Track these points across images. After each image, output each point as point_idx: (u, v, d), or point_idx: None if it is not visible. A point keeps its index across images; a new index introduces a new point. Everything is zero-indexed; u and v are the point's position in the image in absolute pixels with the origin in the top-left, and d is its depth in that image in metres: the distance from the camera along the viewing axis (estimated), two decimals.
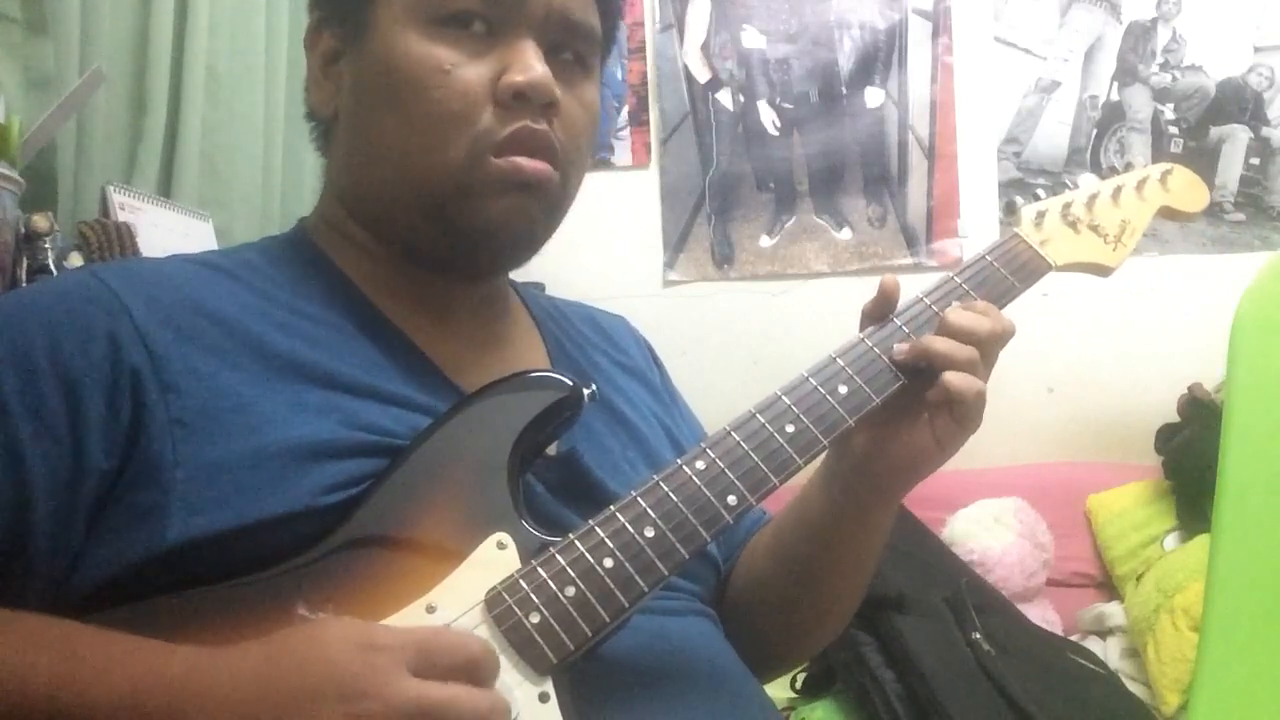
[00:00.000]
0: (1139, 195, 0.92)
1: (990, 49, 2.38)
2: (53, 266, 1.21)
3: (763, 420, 0.71)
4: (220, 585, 0.62)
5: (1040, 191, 0.89)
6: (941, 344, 0.74)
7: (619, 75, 2.40)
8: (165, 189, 1.64)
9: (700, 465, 0.69)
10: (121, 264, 1.08)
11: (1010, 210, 0.87)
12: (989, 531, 1.95)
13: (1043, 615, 1.91)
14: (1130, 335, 2.29)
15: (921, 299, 0.79)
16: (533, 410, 0.70)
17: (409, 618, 0.61)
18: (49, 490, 0.62)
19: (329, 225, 0.81)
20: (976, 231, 2.35)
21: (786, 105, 2.40)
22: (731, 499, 0.68)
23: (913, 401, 0.75)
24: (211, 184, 1.71)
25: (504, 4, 0.73)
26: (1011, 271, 0.82)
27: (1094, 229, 0.88)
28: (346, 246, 0.79)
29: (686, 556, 0.66)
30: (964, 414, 0.74)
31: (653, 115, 2.42)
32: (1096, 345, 2.30)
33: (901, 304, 0.79)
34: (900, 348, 0.75)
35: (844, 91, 2.39)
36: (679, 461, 0.69)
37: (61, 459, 0.63)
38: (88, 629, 0.59)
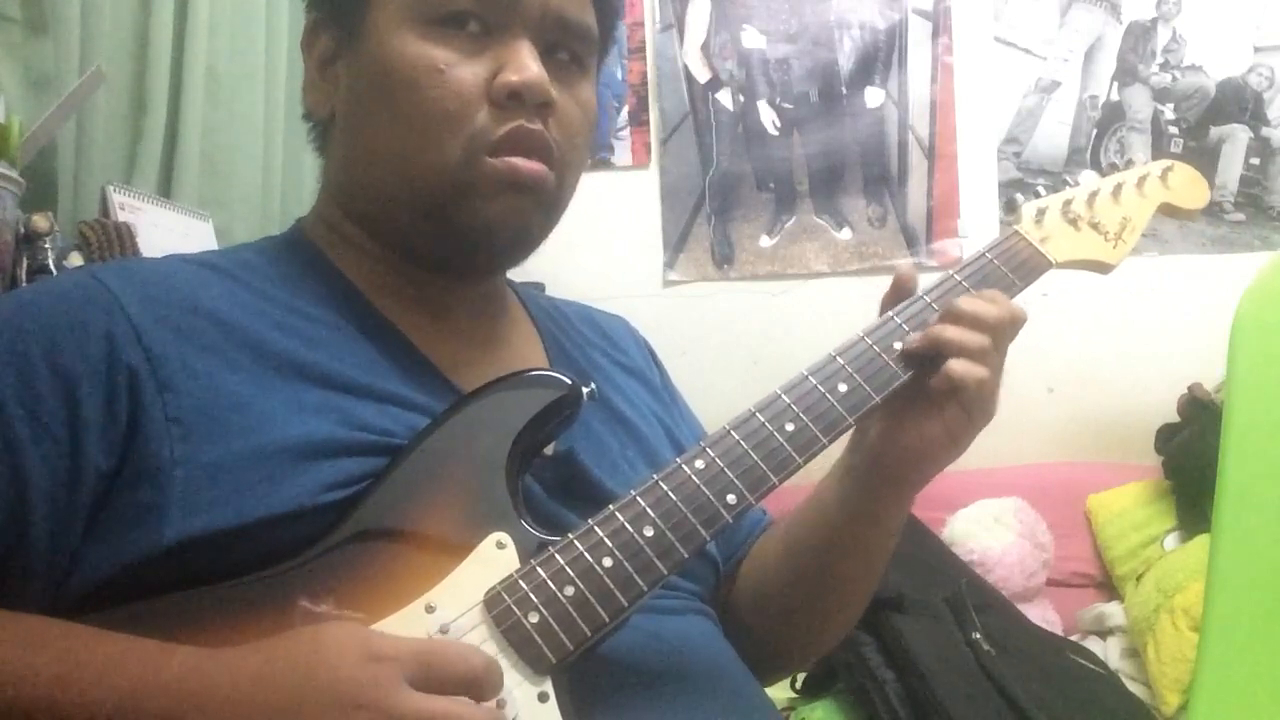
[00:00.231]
0: (1139, 192, 0.92)
1: (990, 49, 2.38)
2: (53, 266, 1.21)
3: (762, 419, 0.71)
4: (219, 585, 0.62)
5: (1041, 190, 0.89)
6: (952, 331, 0.74)
7: (619, 75, 2.40)
8: (165, 189, 1.64)
9: (700, 464, 0.69)
10: (119, 264, 1.08)
11: (1011, 208, 0.87)
12: (989, 531, 1.95)
13: (1043, 615, 1.91)
14: (1130, 335, 2.29)
15: (921, 297, 0.79)
16: (532, 409, 0.70)
17: (408, 617, 0.61)
18: (47, 490, 0.62)
19: (326, 225, 0.81)
20: (976, 231, 2.35)
21: (786, 105, 2.40)
22: (731, 498, 0.68)
23: (925, 393, 0.75)
24: (211, 184, 1.71)
25: (499, 4, 0.73)
26: (1012, 269, 0.82)
27: (1094, 226, 0.88)
28: (344, 246, 0.79)
29: (686, 556, 0.66)
30: (971, 402, 0.74)
31: (653, 115, 2.42)
32: (1096, 345, 2.30)
33: (902, 303, 0.79)
34: (911, 338, 0.75)
35: (844, 91, 2.39)
36: (678, 461, 0.69)
37: (59, 459, 0.63)
38: (86, 630, 0.59)
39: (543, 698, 0.60)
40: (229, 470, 0.63)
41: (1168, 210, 0.94)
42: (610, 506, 0.66)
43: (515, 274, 0.88)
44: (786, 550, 0.87)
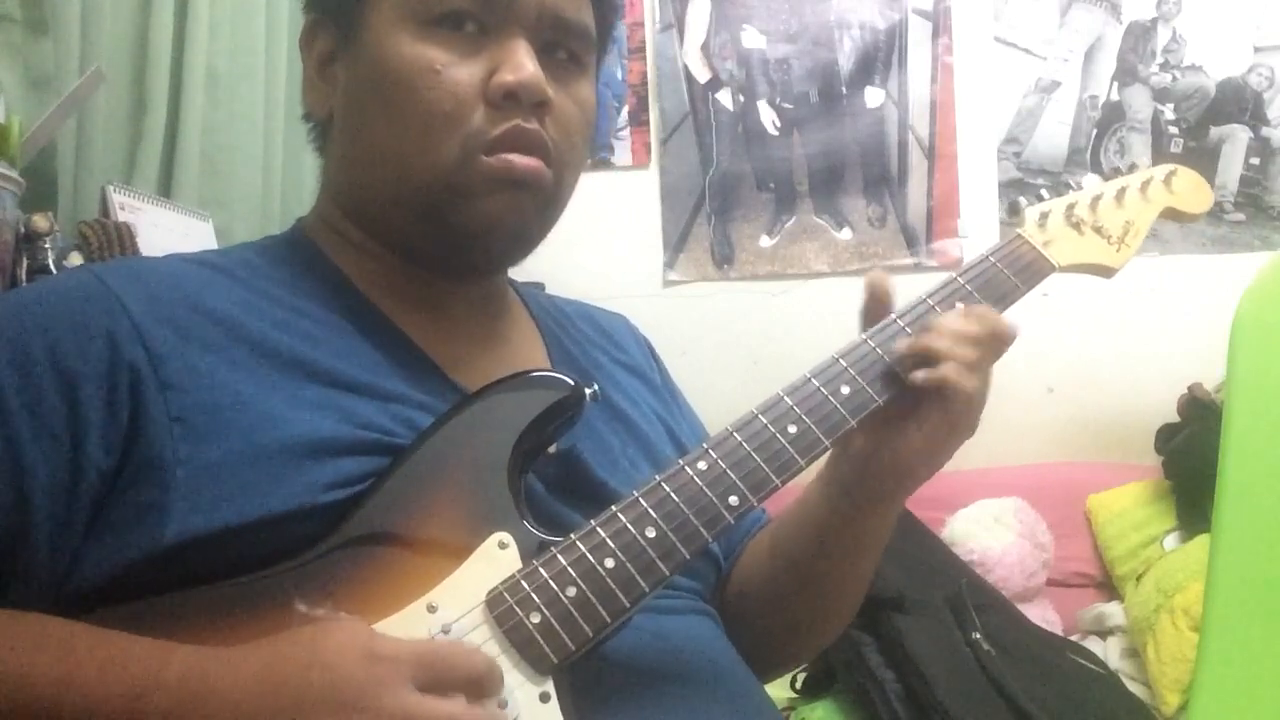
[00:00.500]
0: (1143, 196, 0.92)
1: (990, 49, 2.38)
2: (53, 266, 1.21)
3: (765, 421, 0.71)
4: (220, 584, 0.62)
5: (1044, 192, 0.89)
6: (941, 342, 0.74)
7: (619, 75, 2.40)
8: (165, 189, 1.65)
9: (702, 465, 0.69)
10: (120, 263, 1.09)
11: (1014, 211, 0.87)
12: (989, 531, 1.95)
13: (1043, 615, 1.91)
14: (1130, 335, 2.29)
15: (925, 299, 0.79)
16: (534, 410, 0.70)
17: (410, 617, 0.61)
18: (48, 489, 0.62)
19: (326, 224, 0.81)
20: (976, 231, 2.35)
21: (786, 105, 2.40)
22: (733, 499, 0.68)
23: (908, 406, 0.75)
24: (211, 184, 1.71)
25: (495, 4, 0.73)
26: (1015, 272, 0.82)
27: (1097, 230, 0.88)
28: (344, 246, 0.79)
29: (688, 557, 0.66)
30: (956, 416, 0.74)
31: (653, 115, 2.42)
32: (1096, 345, 2.30)
33: (904, 305, 0.78)
34: (900, 344, 0.75)
35: (844, 91, 2.39)
36: (681, 462, 0.69)
37: (61, 458, 0.63)
38: (87, 629, 0.59)
39: (544, 698, 0.60)
40: (230, 469, 0.63)
41: (1171, 214, 0.94)
42: (613, 507, 0.66)
43: (515, 274, 0.88)
44: (773, 557, 0.87)
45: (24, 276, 1.19)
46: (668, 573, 0.65)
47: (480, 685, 0.56)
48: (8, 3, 1.32)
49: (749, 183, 2.41)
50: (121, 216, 1.42)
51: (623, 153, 2.41)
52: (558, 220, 0.80)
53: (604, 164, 2.39)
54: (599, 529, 0.65)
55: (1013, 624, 1.60)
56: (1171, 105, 2.36)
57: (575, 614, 0.62)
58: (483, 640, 0.61)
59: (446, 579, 0.63)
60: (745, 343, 2.36)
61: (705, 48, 2.41)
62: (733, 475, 0.69)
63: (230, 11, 1.76)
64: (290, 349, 0.70)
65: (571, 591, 0.63)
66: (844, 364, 0.75)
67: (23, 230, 1.20)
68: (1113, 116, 2.38)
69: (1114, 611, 1.93)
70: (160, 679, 0.55)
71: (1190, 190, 0.95)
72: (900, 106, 2.39)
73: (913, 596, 1.45)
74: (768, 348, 2.33)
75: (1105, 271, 0.89)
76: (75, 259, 1.26)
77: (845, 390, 0.73)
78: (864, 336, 0.76)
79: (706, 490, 0.68)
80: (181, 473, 0.63)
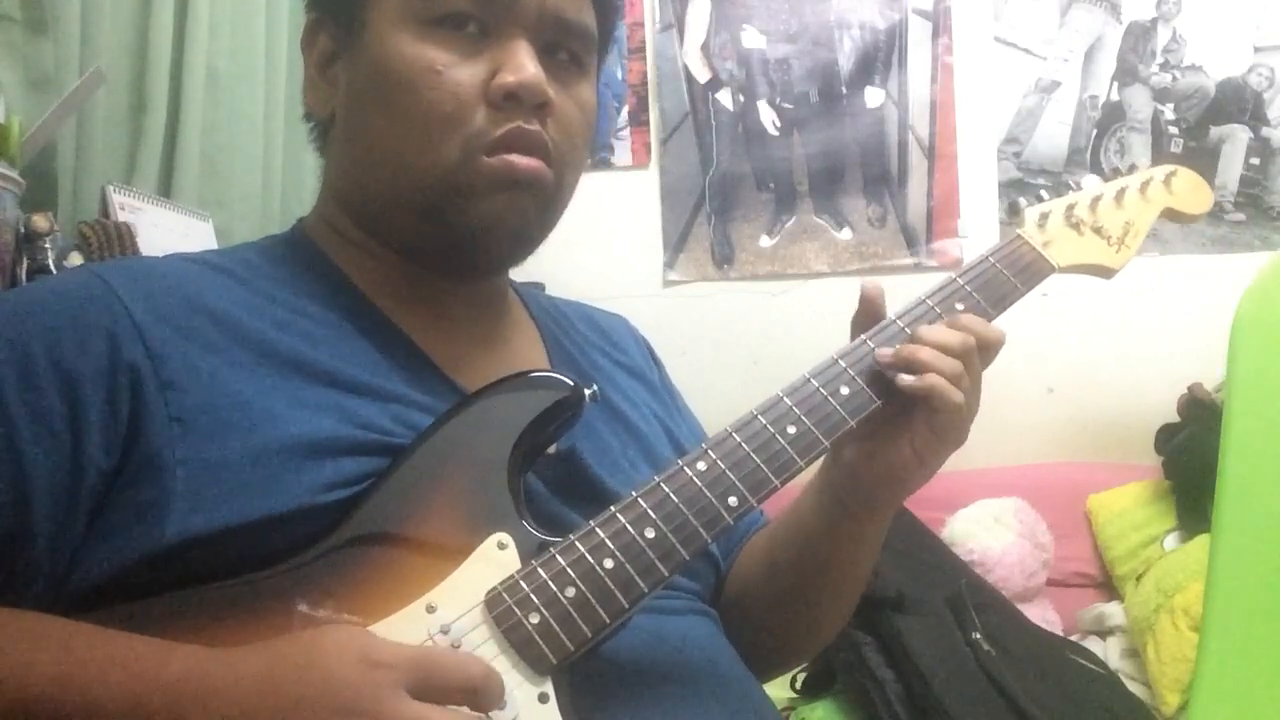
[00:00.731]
0: (1142, 197, 0.92)
1: (990, 49, 2.38)
2: (53, 266, 1.21)
3: (764, 421, 0.71)
4: (220, 584, 0.62)
5: (1043, 193, 0.89)
6: (925, 352, 0.73)
7: (619, 75, 2.40)
8: (165, 189, 1.64)
9: (701, 466, 0.69)
10: (121, 262, 1.09)
11: (1014, 211, 0.87)
12: (989, 531, 1.95)
13: (1043, 615, 1.91)
14: (1130, 335, 2.29)
15: (924, 300, 0.79)
16: (534, 410, 0.70)
17: (409, 617, 0.61)
18: (48, 488, 0.62)
19: (327, 225, 0.81)
20: (976, 231, 2.35)
21: (786, 105, 2.40)
22: (733, 500, 0.68)
23: (896, 414, 0.75)
24: (211, 184, 1.71)
25: (497, 4, 0.73)
26: (1014, 273, 0.82)
27: (1097, 231, 0.88)
28: (345, 246, 0.80)
29: (687, 557, 0.66)
30: (943, 426, 0.74)
31: (653, 115, 2.42)
32: (1096, 345, 2.30)
33: (903, 305, 0.78)
34: (883, 351, 0.75)
35: (844, 91, 2.39)
36: (680, 462, 0.69)
37: (61, 457, 0.63)
38: (87, 628, 0.59)
39: (543, 698, 0.60)
40: (230, 469, 0.63)
41: (1170, 215, 0.94)
42: (612, 508, 0.66)
43: (515, 274, 0.88)
44: (770, 559, 0.88)
45: (24, 276, 1.20)
46: (667, 573, 0.65)
47: (476, 693, 0.56)
48: (8, 3, 1.32)
49: (749, 183, 2.41)
50: (121, 216, 1.43)
51: (623, 153, 2.41)
52: (558, 221, 0.80)
53: (604, 164, 2.39)
54: (598, 529, 0.65)
55: (1013, 624, 1.60)
56: (1171, 105, 2.36)
57: (574, 614, 0.62)
58: (482, 640, 0.61)
59: (446, 579, 0.63)
60: (745, 343, 2.36)
61: (705, 48, 2.41)
62: (732, 476, 0.69)
63: (230, 11, 1.76)
64: (291, 349, 0.70)
65: (570, 592, 0.63)
66: (843, 365, 0.75)
67: (23, 230, 1.21)
68: (1113, 116, 2.38)
69: (1114, 611, 1.93)
70: (159, 679, 0.55)
71: (1190, 191, 0.95)
72: (900, 106, 2.39)
73: (912, 596, 1.45)
74: (768, 348, 2.33)
75: (1105, 272, 0.89)
76: (75, 259, 1.26)
77: (845, 391, 0.73)
78: (864, 338, 0.76)
79: (706, 491, 0.68)
80: (181, 473, 0.63)
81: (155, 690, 0.55)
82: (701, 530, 0.67)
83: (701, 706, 0.70)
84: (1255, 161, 2.34)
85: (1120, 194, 0.91)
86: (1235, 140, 2.34)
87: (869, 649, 1.40)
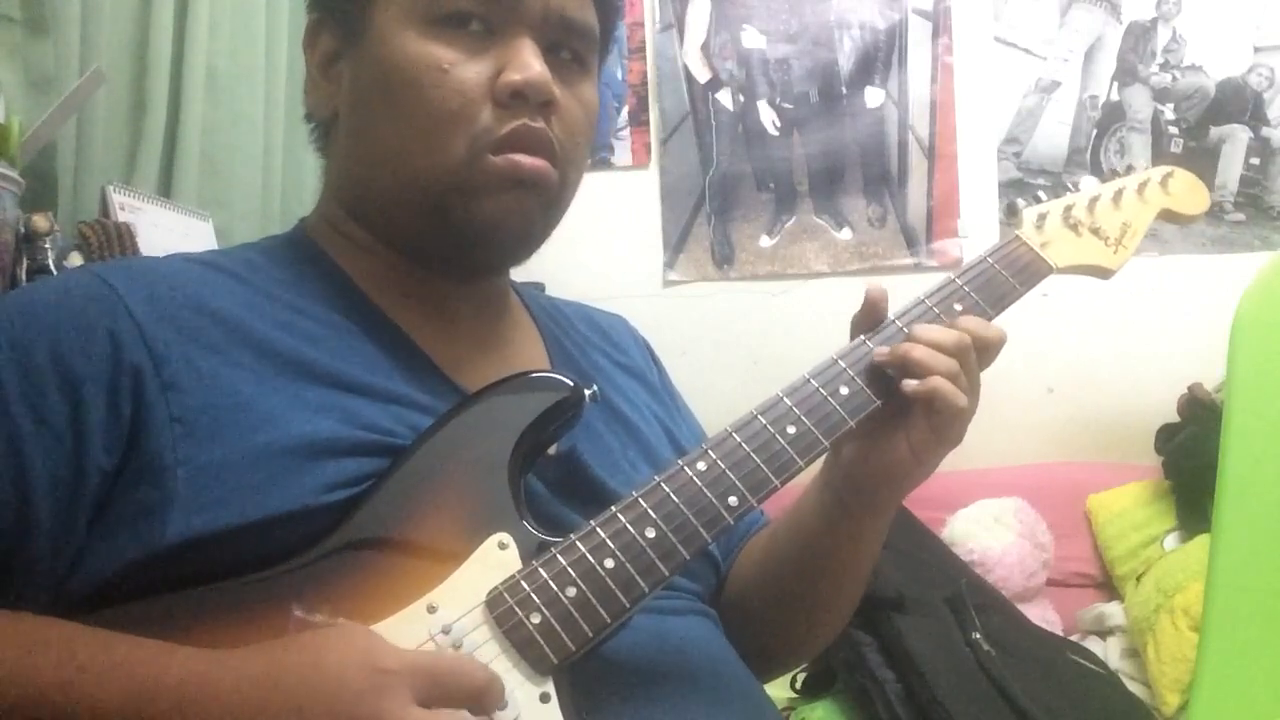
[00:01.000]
0: (1140, 198, 0.92)
1: (990, 49, 2.38)
2: (53, 266, 1.21)
3: (764, 421, 0.71)
4: (221, 584, 0.62)
5: (1042, 193, 0.89)
6: (920, 351, 0.73)
7: (619, 75, 2.40)
8: (165, 189, 1.64)
9: (702, 466, 0.69)
10: (122, 263, 1.09)
11: (1012, 212, 0.87)
12: (989, 531, 1.95)
13: (1043, 615, 1.91)
14: (1130, 335, 2.29)
15: (923, 300, 0.79)
16: (534, 411, 0.70)
17: (410, 617, 0.61)
18: (50, 489, 0.62)
19: (329, 225, 0.81)
20: (976, 231, 2.35)
21: (786, 105, 2.40)
22: (733, 500, 0.68)
23: (894, 413, 0.75)
24: (211, 184, 1.71)
25: (501, 3, 0.73)
26: (1013, 274, 0.82)
27: (1095, 231, 0.88)
28: (347, 246, 0.80)
29: (687, 557, 0.66)
30: (942, 427, 0.74)
31: (653, 115, 2.42)
32: (1096, 345, 2.30)
33: (903, 306, 0.79)
34: (880, 349, 0.75)
35: (844, 91, 2.39)
36: (680, 462, 0.69)
37: (63, 457, 0.63)
38: (89, 630, 0.59)
39: (544, 698, 0.61)
40: (232, 469, 0.63)
41: (1168, 216, 0.94)
42: (612, 508, 0.67)
43: (515, 274, 0.88)
44: (770, 559, 0.88)
45: (24, 276, 1.19)
46: (667, 573, 0.65)
47: (480, 698, 0.56)
48: (8, 3, 1.32)
49: (749, 183, 2.41)
50: (121, 216, 1.43)
51: (623, 153, 2.41)
52: (561, 220, 0.80)
53: (604, 164, 2.39)
54: (599, 529, 0.65)
55: (1013, 624, 1.60)
56: (1171, 105, 2.36)
57: (575, 614, 0.62)
58: (483, 640, 0.61)
59: (447, 579, 0.63)
60: (745, 343, 2.36)
61: (705, 48, 2.41)
62: (732, 476, 0.69)
63: (230, 11, 1.76)
64: (292, 349, 0.70)
65: (571, 592, 0.63)
66: (843, 365, 0.75)
67: (23, 230, 1.20)
68: (1113, 116, 2.38)
69: (1114, 611, 1.93)
70: (163, 681, 0.55)
71: (1187, 192, 0.95)
72: (900, 106, 2.39)
73: (913, 596, 1.45)
74: (767, 348, 2.33)
75: (1102, 273, 0.89)
76: (75, 259, 1.26)
77: (844, 391, 0.74)
78: (864, 338, 0.76)
79: (706, 491, 0.68)
80: (183, 473, 0.63)
81: (158, 694, 0.55)
82: (702, 530, 0.67)
83: (702, 706, 0.70)
84: (1255, 161, 2.34)
85: (1118, 195, 0.91)
86: (1235, 140, 2.34)
87: (869, 649, 1.40)
